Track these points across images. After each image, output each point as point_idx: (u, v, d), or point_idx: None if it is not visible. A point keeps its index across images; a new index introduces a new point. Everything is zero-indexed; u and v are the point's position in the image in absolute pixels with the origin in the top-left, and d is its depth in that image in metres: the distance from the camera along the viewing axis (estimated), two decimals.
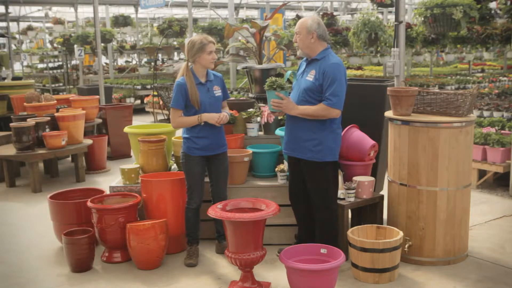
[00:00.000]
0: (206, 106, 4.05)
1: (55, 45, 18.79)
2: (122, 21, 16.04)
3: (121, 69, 17.69)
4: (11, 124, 6.48)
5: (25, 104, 7.57)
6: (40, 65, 20.33)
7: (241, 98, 7.04)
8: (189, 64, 4.08)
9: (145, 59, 20.07)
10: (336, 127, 3.90)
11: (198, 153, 4.09)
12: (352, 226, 4.32)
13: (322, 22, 3.89)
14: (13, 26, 20.17)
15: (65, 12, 19.89)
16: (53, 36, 19.02)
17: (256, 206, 3.65)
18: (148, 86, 13.67)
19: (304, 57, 4.04)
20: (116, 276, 4.05)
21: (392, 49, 5.46)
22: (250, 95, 5.45)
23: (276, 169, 4.51)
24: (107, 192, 4.72)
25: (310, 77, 3.83)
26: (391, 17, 16.12)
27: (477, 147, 6.01)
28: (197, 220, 4.20)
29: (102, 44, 13.79)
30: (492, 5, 9.14)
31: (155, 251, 4.08)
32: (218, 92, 4.15)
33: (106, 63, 18.77)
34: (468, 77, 13.51)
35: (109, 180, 6.50)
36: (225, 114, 4.06)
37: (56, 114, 6.93)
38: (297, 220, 4.23)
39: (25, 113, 7.44)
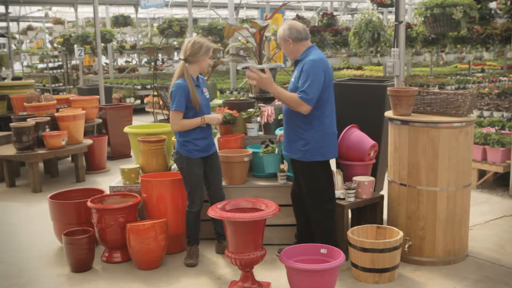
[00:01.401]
0: (203, 107, 4.08)
1: (55, 45, 18.80)
2: (122, 21, 16.03)
3: (121, 69, 17.69)
4: (11, 124, 6.48)
5: (25, 104, 7.57)
6: (40, 65, 20.32)
7: (241, 98, 7.04)
8: (186, 64, 4.06)
9: (145, 59, 20.06)
10: (325, 127, 3.85)
11: (199, 154, 4.10)
12: (352, 226, 4.32)
13: (295, 24, 3.92)
14: (13, 26, 20.16)
15: (65, 12, 19.89)
16: (53, 36, 19.02)
17: (256, 206, 3.65)
18: (148, 86, 13.66)
19: None
20: (116, 276, 4.05)
21: (392, 49, 5.46)
22: (250, 95, 5.45)
23: None
24: (107, 192, 4.72)
25: (293, 77, 3.92)
26: (391, 17, 16.11)
27: (477, 147, 6.00)
28: (198, 222, 4.21)
29: (102, 44, 13.78)
30: (492, 5, 9.13)
31: (155, 251, 4.08)
32: (207, 93, 4.22)
33: (106, 63, 18.77)
34: (468, 77, 13.52)
35: (109, 180, 6.50)
36: (221, 115, 4.22)
37: (56, 114, 6.93)
38: (296, 220, 4.25)
39: (25, 113, 7.44)
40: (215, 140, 4.46)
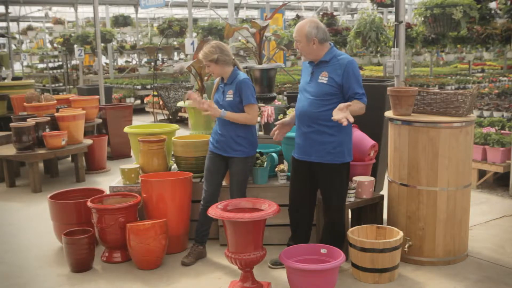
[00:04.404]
0: (222, 106, 4.10)
1: (55, 45, 18.79)
2: (122, 21, 16.03)
3: (121, 69, 17.69)
4: (11, 124, 6.47)
5: (25, 104, 7.56)
6: (40, 65, 20.33)
7: None
8: None
9: (145, 59, 20.07)
10: (350, 127, 3.84)
11: (210, 147, 4.27)
12: (352, 226, 4.32)
13: (320, 22, 3.78)
14: (13, 26, 20.16)
15: (65, 12, 19.87)
16: (53, 36, 19.02)
17: (256, 206, 3.65)
18: (148, 86, 13.67)
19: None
20: (116, 276, 4.05)
21: (392, 49, 5.46)
22: None
23: (276, 169, 4.51)
24: (107, 192, 4.73)
25: (323, 79, 3.73)
26: (391, 17, 16.11)
27: (477, 147, 6.00)
28: (204, 218, 4.19)
29: (102, 44, 13.78)
30: (492, 5, 9.13)
31: (155, 251, 4.08)
32: (229, 96, 4.09)
33: (106, 63, 18.77)
34: (468, 77, 13.51)
35: (109, 180, 6.50)
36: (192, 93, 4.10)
37: (56, 114, 6.93)
38: (296, 223, 4.11)
39: (25, 113, 7.44)
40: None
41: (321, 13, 13.31)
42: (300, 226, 4.12)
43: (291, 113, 4.14)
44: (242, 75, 4.11)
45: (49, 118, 6.82)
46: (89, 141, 7.13)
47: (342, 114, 3.45)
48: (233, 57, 4.16)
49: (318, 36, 3.70)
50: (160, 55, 19.98)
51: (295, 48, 3.85)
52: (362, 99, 3.70)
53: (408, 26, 9.95)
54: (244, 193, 4.19)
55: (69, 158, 7.93)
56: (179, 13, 20.70)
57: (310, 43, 3.72)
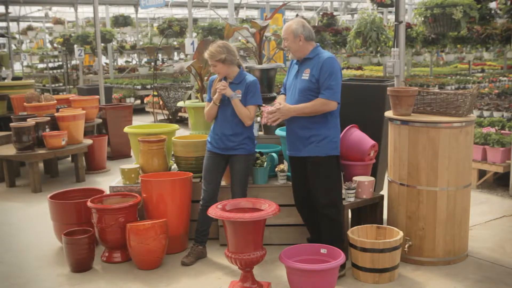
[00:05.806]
0: (225, 103, 4.12)
1: (55, 45, 18.79)
2: (122, 21, 16.03)
3: (121, 69, 17.69)
4: (11, 124, 6.47)
5: (25, 104, 7.56)
6: (40, 65, 20.33)
7: None
8: None
9: (145, 59, 20.07)
10: (337, 123, 3.92)
11: (208, 147, 4.26)
12: (352, 226, 4.32)
13: (306, 23, 3.92)
14: (13, 26, 20.15)
15: (65, 12, 19.86)
16: (53, 36, 19.02)
17: (256, 206, 3.65)
18: (148, 86, 13.67)
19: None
20: (116, 276, 4.05)
21: (392, 49, 5.46)
22: None
23: (276, 169, 4.51)
24: (107, 192, 4.73)
25: (306, 76, 3.85)
26: (391, 17, 16.11)
27: (477, 147, 6.00)
28: (203, 217, 4.18)
29: (102, 44, 13.78)
30: (492, 5, 9.13)
31: (155, 251, 4.08)
32: (238, 96, 4.11)
33: (106, 63, 18.77)
34: (468, 77, 13.51)
35: (109, 180, 6.51)
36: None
37: (56, 114, 6.93)
38: (306, 223, 4.19)
39: (25, 113, 7.44)
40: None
41: (321, 13, 13.30)
42: (310, 222, 4.14)
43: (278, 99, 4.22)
44: (251, 76, 4.18)
45: (49, 118, 6.82)
46: (89, 141, 7.13)
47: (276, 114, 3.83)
48: (238, 58, 4.17)
49: (304, 34, 3.85)
50: (160, 55, 19.98)
51: (283, 47, 3.94)
52: (323, 94, 3.77)
53: (408, 26, 9.95)
54: (246, 192, 4.20)
55: (69, 158, 7.94)
56: (179, 13, 20.70)
57: (297, 40, 3.85)
